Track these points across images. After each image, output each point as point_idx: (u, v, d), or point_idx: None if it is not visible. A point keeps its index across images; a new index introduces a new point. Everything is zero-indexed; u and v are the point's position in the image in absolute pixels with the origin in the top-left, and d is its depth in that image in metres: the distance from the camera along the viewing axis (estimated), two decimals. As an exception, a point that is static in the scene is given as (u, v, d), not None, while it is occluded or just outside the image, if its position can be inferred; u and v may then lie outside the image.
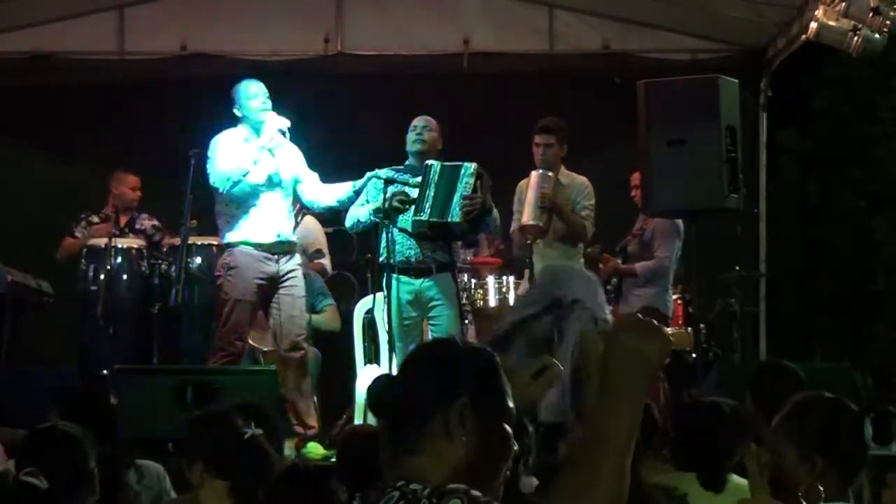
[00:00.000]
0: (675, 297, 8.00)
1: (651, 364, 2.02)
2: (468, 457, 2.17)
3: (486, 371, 2.24)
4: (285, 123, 7.02)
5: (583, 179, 7.50)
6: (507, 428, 2.22)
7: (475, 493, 2.08)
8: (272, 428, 4.28)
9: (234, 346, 6.93)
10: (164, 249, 8.25)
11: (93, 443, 3.54)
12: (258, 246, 6.93)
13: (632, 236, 8.01)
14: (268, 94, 7.07)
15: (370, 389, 2.33)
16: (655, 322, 2.13)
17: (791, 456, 3.24)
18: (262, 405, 4.49)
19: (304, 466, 4.10)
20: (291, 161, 7.14)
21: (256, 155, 6.92)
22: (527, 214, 7.22)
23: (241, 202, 6.98)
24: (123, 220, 8.58)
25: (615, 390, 2.00)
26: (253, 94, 7.03)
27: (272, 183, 7.01)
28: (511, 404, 2.24)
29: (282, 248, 7.00)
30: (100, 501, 3.57)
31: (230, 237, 7.01)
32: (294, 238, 7.18)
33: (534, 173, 7.29)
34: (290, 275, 7.02)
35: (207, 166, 7.05)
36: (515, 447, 2.24)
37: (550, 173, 7.30)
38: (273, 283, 6.98)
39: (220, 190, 7.00)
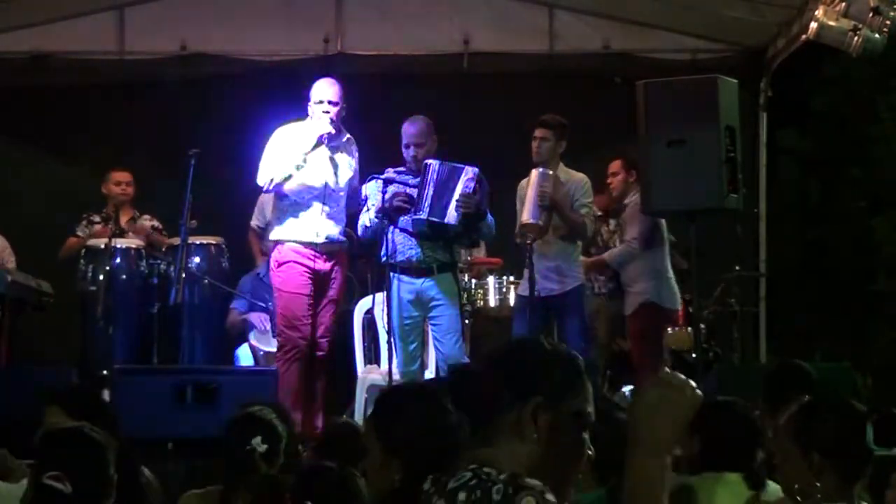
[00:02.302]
0: (678, 296, 7.94)
1: (679, 415, 2.14)
2: (538, 455, 2.22)
3: (567, 375, 2.29)
4: (325, 129, 7.01)
5: (581, 176, 7.49)
6: (583, 433, 2.27)
7: (550, 497, 2.13)
8: (273, 432, 4.30)
9: (292, 340, 6.96)
10: (164, 249, 8.24)
11: (113, 447, 3.52)
12: (306, 244, 6.98)
13: (610, 233, 8.02)
14: (334, 98, 7.05)
15: (447, 380, 2.39)
16: (682, 376, 2.20)
17: (793, 454, 3.25)
18: (263, 411, 4.49)
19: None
20: (349, 167, 7.18)
21: (300, 160, 6.97)
22: (526, 213, 7.22)
23: (293, 200, 7.04)
24: (124, 218, 8.58)
25: (644, 441, 2.12)
26: (317, 100, 7.05)
27: (324, 184, 7.05)
28: (591, 410, 2.29)
29: (329, 248, 7.04)
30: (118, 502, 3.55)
31: (279, 234, 7.09)
32: (343, 238, 7.21)
33: (534, 171, 7.28)
34: (334, 276, 7.08)
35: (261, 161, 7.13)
36: (590, 452, 2.28)
37: (551, 171, 7.30)
38: (319, 281, 7.02)
39: (262, 188, 7.09)
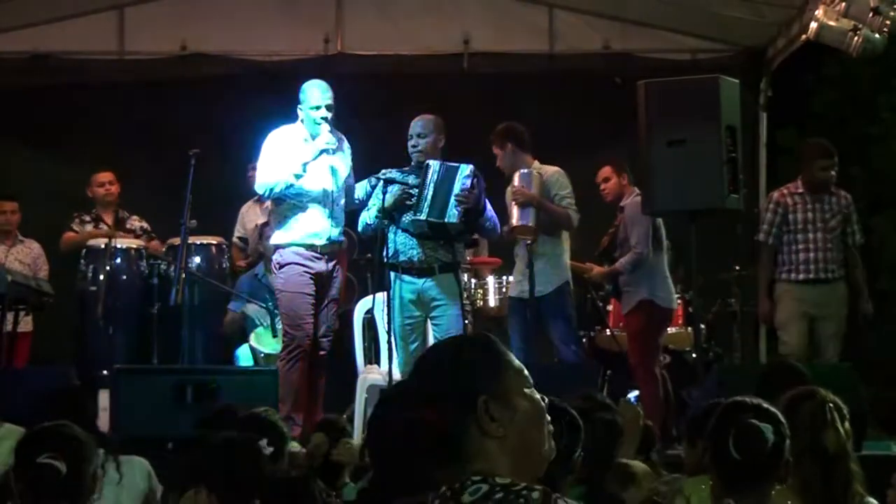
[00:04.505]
0: (675, 296, 7.95)
1: None
2: (518, 440, 2.15)
3: (488, 357, 2.20)
4: (329, 144, 6.96)
5: (555, 169, 7.49)
6: (532, 392, 2.19)
7: None
8: (277, 433, 4.30)
9: (296, 340, 6.95)
10: (164, 250, 8.25)
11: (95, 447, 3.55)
12: (308, 247, 6.97)
13: (607, 236, 8.01)
14: (331, 102, 6.99)
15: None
16: None
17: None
18: (266, 413, 4.49)
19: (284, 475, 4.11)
20: (345, 167, 7.15)
21: (299, 170, 6.93)
22: (515, 216, 7.24)
23: (292, 204, 7.02)
24: (109, 219, 8.59)
25: None
26: (314, 105, 6.99)
27: (323, 188, 7.03)
28: (524, 369, 2.20)
29: (329, 249, 7.03)
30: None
31: (281, 238, 7.06)
32: (343, 239, 7.19)
33: (516, 174, 7.31)
34: (335, 275, 7.08)
35: (257, 166, 7.07)
36: (545, 401, 2.21)
37: (534, 171, 7.31)
38: (320, 282, 7.01)
39: (262, 196, 7.06)
